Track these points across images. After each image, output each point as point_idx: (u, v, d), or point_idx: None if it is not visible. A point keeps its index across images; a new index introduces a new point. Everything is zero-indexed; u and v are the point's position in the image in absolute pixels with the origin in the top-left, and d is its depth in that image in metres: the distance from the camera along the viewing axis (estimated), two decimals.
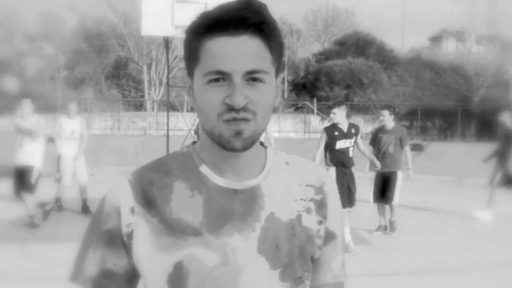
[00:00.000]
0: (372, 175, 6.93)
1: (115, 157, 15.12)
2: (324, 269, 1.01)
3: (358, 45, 33.89)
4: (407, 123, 27.14)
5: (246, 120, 0.84)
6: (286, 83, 34.10)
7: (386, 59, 33.06)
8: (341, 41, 35.87)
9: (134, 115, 25.66)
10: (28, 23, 32.67)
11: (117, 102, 27.12)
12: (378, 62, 31.59)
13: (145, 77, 30.30)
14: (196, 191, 0.91)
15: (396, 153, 6.75)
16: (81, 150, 7.76)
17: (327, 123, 27.98)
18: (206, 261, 0.87)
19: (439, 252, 6.02)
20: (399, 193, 6.71)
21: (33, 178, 6.64)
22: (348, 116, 6.11)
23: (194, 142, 1.00)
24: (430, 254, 5.89)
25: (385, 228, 6.84)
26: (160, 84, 29.90)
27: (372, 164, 6.38)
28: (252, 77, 0.84)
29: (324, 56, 34.41)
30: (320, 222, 0.98)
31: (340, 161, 5.86)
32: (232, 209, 0.90)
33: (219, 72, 0.84)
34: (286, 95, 33.25)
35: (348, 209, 5.94)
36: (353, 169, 5.95)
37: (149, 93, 30.33)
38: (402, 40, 59.92)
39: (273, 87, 0.90)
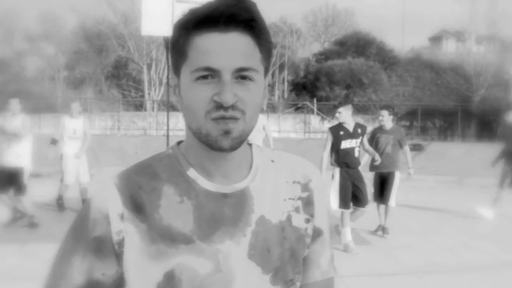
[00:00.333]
0: (371, 176, 6.93)
1: (115, 157, 15.12)
2: (312, 267, 1.01)
3: (358, 45, 33.93)
4: (407, 123, 27.17)
5: (234, 118, 0.82)
6: (286, 83, 34.12)
7: (386, 59, 33.10)
8: (341, 41, 35.91)
9: (134, 115, 25.66)
10: (28, 23, 32.75)
11: (117, 102, 27.12)
12: (378, 62, 31.64)
13: (145, 77, 30.31)
14: (185, 197, 0.88)
15: (394, 153, 6.71)
16: (83, 149, 7.76)
17: (327, 123, 28.00)
18: (199, 269, 0.85)
19: (439, 252, 6.01)
20: (395, 194, 6.64)
21: (25, 179, 6.57)
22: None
23: (179, 142, 0.97)
24: (430, 254, 5.89)
25: (383, 229, 6.79)
26: (160, 84, 29.91)
27: (372, 161, 6.35)
28: (241, 75, 0.82)
29: (324, 56, 34.45)
30: (307, 221, 0.97)
31: (344, 162, 5.79)
32: (222, 215, 0.88)
33: (208, 69, 0.82)
34: (286, 95, 33.27)
35: (362, 208, 5.92)
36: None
37: (149, 93, 30.34)
38: (402, 40, 59.96)
39: (262, 86, 0.88)
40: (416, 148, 17.15)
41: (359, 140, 5.85)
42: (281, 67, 33.62)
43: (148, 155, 0.99)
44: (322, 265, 1.02)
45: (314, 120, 26.43)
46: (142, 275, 0.85)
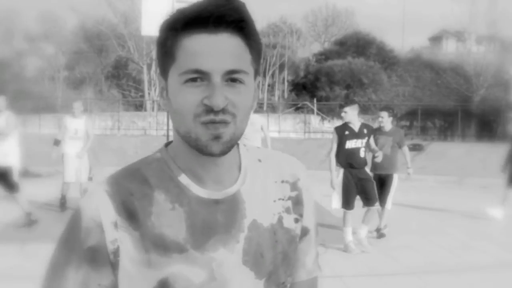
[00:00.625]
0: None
1: (115, 157, 15.10)
2: (297, 267, 1.00)
3: (358, 45, 33.92)
4: (407, 123, 27.19)
5: (225, 122, 0.80)
6: (286, 83, 34.12)
7: (386, 59, 33.09)
8: (341, 41, 35.91)
9: (134, 115, 25.68)
10: (28, 23, 32.74)
11: (117, 102, 27.15)
12: (378, 62, 31.63)
13: (145, 77, 30.33)
14: (176, 204, 0.85)
15: (393, 155, 6.66)
16: (85, 148, 7.75)
17: (327, 123, 27.93)
18: (193, 278, 0.83)
19: (439, 252, 6.01)
20: (392, 197, 6.59)
21: (14, 177, 6.50)
22: None
23: (167, 144, 0.93)
24: (430, 254, 5.89)
25: (378, 232, 6.74)
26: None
27: (373, 158, 6.32)
28: (231, 77, 0.80)
29: (324, 56, 34.44)
30: (296, 220, 0.96)
31: (348, 162, 5.76)
32: (215, 222, 0.86)
33: (197, 71, 0.79)
34: (286, 95, 33.27)
35: (373, 207, 5.90)
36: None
37: (149, 93, 30.36)
38: (402, 40, 59.98)
39: (252, 89, 0.85)
40: (416, 148, 17.15)
41: (365, 140, 5.79)
42: (281, 67, 33.62)
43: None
44: (308, 264, 1.02)
45: (314, 120, 26.46)
46: (136, 284, 0.83)
